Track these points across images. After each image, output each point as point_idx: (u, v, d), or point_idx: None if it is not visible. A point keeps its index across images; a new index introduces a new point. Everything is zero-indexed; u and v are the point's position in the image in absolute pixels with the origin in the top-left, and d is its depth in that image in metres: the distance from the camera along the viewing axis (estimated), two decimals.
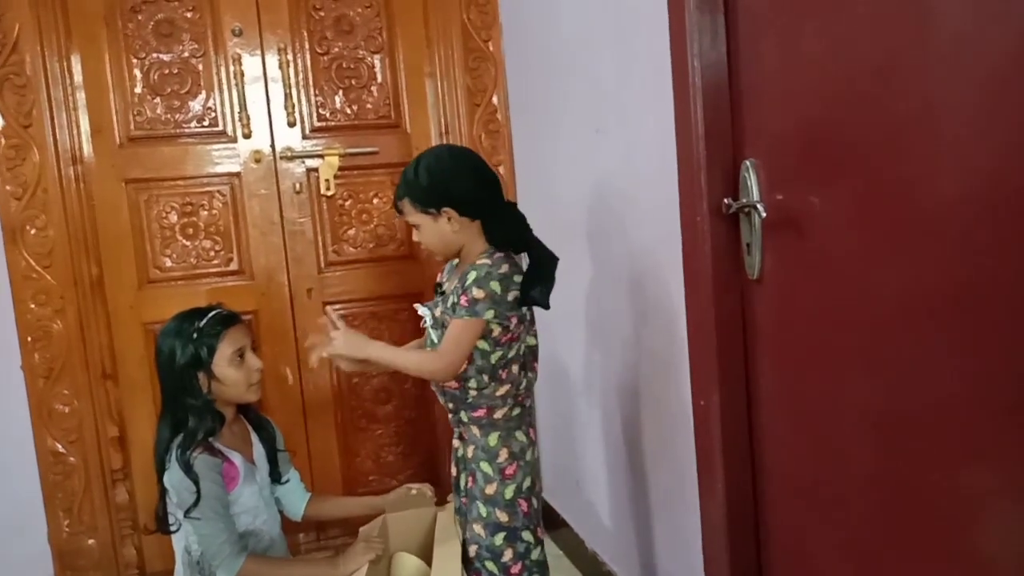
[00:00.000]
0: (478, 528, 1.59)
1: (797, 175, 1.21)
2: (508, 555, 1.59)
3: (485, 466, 1.59)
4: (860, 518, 1.15)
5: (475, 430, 1.60)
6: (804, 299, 1.23)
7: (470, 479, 1.62)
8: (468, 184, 1.57)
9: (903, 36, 0.97)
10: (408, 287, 2.57)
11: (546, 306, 1.56)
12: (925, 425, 1.01)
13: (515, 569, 1.59)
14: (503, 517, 1.58)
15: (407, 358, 1.62)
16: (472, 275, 1.51)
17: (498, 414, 1.58)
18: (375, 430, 2.60)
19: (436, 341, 1.61)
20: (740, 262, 1.36)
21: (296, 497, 1.87)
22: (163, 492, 1.68)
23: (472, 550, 1.60)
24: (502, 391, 1.57)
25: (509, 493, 1.57)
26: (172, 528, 1.67)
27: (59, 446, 2.26)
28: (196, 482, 1.59)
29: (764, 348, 1.36)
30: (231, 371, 1.68)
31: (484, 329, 1.51)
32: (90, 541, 2.31)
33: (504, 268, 1.53)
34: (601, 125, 1.84)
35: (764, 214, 1.26)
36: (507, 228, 1.60)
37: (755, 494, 1.43)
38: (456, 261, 1.66)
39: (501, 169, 2.54)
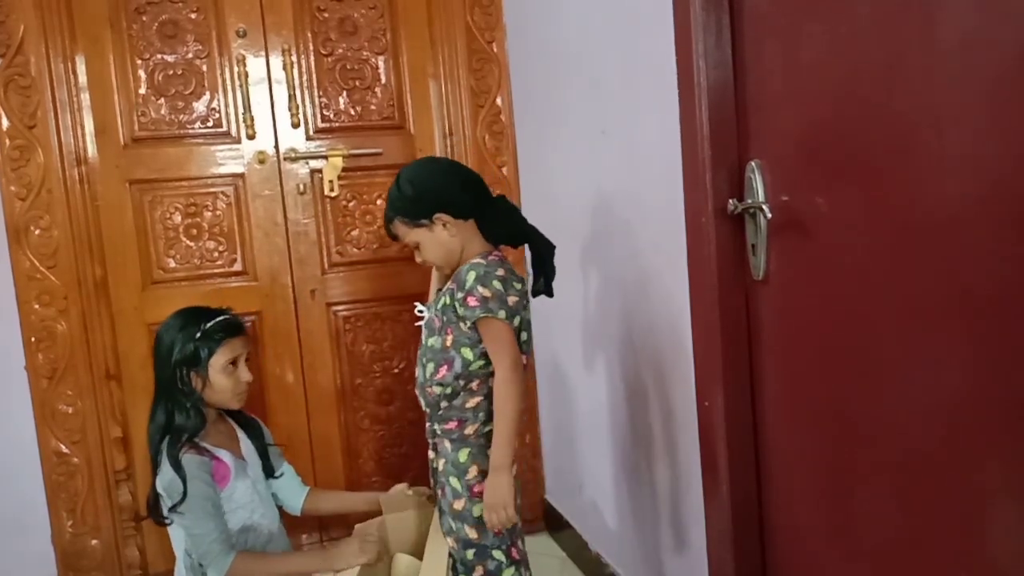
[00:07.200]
0: (451, 541, 1.59)
1: (803, 176, 1.21)
2: (479, 572, 1.57)
3: (454, 481, 1.56)
4: (866, 520, 1.15)
5: (447, 444, 1.58)
6: (809, 300, 1.23)
7: (440, 492, 1.60)
8: (452, 184, 1.57)
9: (909, 37, 0.96)
10: (412, 288, 2.56)
11: (551, 294, 1.59)
12: (931, 426, 1.00)
13: None
14: (472, 534, 1.56)
15: (505, 412, 1.47)
16: (472, 275, 1.49)
17: (469, 429, 1.56)
18: (377, 431, 2.60)
19: (424, 342, 1.60)
20: (745, 263, 1.36)
21: (293, 491, 1.89)
22: (156, 481, 1.70)
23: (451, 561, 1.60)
24: (472, 403, 1.55)
25: (477, 511, 1.53)
26: (166, 521, 1.69)
27: (62, 447, 2.26)
28: (184, 479, 1.61)
29: (769, 349, 1.35)
30: (221, 378, 1.70)
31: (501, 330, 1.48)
32: (93, 541, 2.30)
33: (501, 271, 1.52)
34: (606, 126, 1.84)
35: (769, 215, 1.25)
36: (502, 221, 1.60)
37: (760, 495, 1.43)
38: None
39: (505, 170, 2.54)
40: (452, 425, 1.57)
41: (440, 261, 1.60)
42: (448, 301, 1.54)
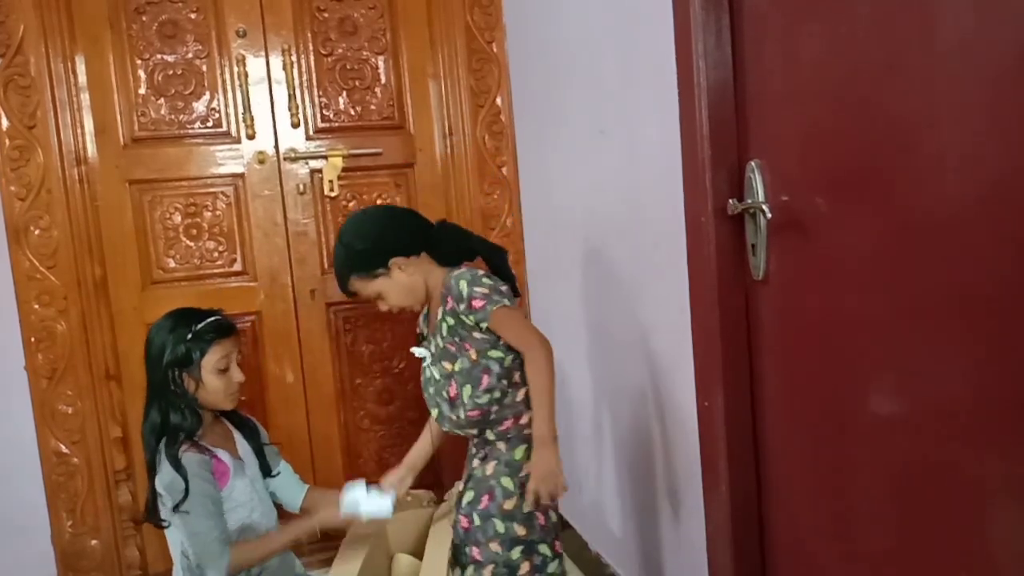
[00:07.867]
0: (494, 546, 1.58)
1: (803, 176, 1.21)
2: (525, 568, 1.58)
3: (506, 481, 1.58)
4: (866, 520, 1.15)
5: (501, 446, 1.60)
6: (809, 300, 1.23)
7: (485, 497, 1.59)
8: (395, 226, 1.63)
9: (908, 37, 0.96)
10: None
11: (517, 294, 1.64)
12: (931, 427, 1.00)
13: None
14: (521, 531, 1.57)
15: (541, 386, 1.50)
16: (463, 282, 1.53)
17: (525, 418, 1.59)
18: (378, 431, 2.60)
19: (438, 377, 1.62)
20: (745, 263, 1.36)
21: (292, 489, 1.89)
22: (153, 483, 1.71)
23: (488, 570, 1.58)
24: (521, 394, 1.59)
25: (527, 506, 1.55)
26: (164, 524, 1.69)
27: (62, 447, 2.26)
28: (185, 478, 1.61)
29: (768, 349, 1.35)
30: (212, 378, 1.72)
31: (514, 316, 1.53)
32: (93, 542, 2.31)
33: (480, 272, 1.57)
34: (605, 126, 1.84)
35: (769, 215, 1.25)
36: (451, 243, 1.65)
37: (759, 496, 1.43)
38: (427, 309, 1.70)
39: (505, 170, 2.54)
40: (508, 424, 1.59)
41: (407, 302, 1.65)
42: (452, 321, 1.56)
